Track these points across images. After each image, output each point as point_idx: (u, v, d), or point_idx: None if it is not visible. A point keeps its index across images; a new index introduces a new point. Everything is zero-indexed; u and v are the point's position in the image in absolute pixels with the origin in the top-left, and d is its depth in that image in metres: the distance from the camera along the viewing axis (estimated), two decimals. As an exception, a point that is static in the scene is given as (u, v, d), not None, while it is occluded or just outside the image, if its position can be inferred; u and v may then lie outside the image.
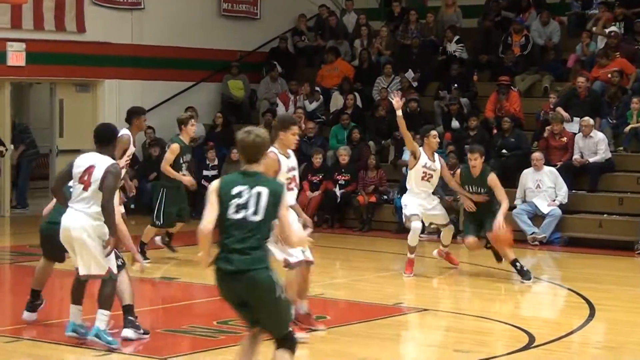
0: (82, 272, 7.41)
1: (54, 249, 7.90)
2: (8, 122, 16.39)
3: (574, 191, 14.44)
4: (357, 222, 15.59)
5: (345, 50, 19.08)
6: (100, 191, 7.28)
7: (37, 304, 8.28)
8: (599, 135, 14.67)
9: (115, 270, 7.45)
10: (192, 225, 16.73)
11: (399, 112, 10.77)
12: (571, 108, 15.37)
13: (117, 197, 7.57)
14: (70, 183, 7.48)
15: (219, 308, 9.39)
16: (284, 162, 8.17)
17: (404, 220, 11.20)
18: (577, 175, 14.63)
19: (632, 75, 15.95)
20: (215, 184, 5.69)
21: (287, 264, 7.73)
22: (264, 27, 19.60)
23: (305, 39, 19.81)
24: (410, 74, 17.69)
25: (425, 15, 18.87)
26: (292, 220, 6.56)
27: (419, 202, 10.99)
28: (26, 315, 8.22)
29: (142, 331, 7.91)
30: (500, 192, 10.84)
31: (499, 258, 11.09)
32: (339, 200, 15.70)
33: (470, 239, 11.18)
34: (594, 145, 14.68)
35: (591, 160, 14.60)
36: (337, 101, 17.85)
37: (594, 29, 17.08)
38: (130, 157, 10.32)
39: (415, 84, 17.57)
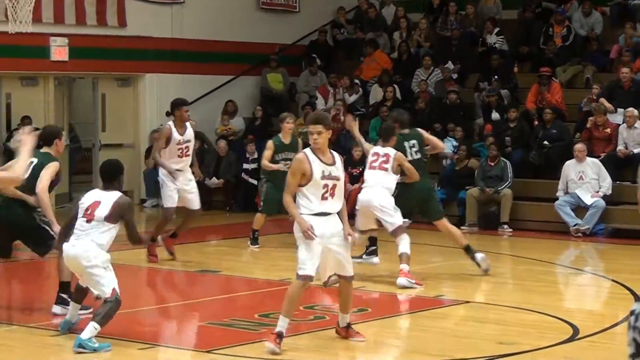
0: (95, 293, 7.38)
1: None
2: (52, 117, 16.53)
3: (617, 182, 14.29)
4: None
5: (384, 42, 19.02)
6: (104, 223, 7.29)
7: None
8: (643, 126, 14.51)
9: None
10: (228, 219, 16.70)
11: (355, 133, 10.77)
12: (615, 99, 15.21)
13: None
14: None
15: (260, 301, 9.45)
16: None
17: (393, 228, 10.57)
18: (621, 167, 14.47)
19: (677, 65, 15.75)
20: None
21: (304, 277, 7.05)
22: (303, 20, 19.60)
23: (344, 31, 19.77)
24: (450, 66, 17.61)
25: (464, 7, 18.76)
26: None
27: None
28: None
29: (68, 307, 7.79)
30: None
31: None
32: (378, 192, 15.64)
33: None
34: (638, 136, 14.52)
35: (635, 151, 14.44)
36: (376, 94, 17.81)
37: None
38: (184, 145, 11.01)
39: (455, 76, 17.48)
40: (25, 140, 6.04)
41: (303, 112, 17.58)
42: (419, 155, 10.47)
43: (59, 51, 16.32)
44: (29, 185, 7.95)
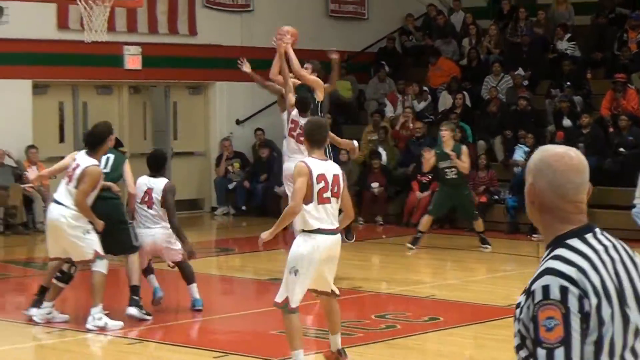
0: None
1: None
2: (127, 125, 16.76)
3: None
4: (467, 223, 15.41)
5: (454, 49, 18.91)
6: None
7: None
8: None
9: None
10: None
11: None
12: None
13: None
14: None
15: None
16: None
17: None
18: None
19: None
20: None
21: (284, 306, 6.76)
22: (372, 27, 19.59)
23: (412, 38, 19.71)
24: (520, 72, 17.42)
25: (535, 13, 18.54)
26: None
27: None
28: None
29: (144, 312, 8.39)
30: None
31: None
32: (448, 200, 15.54)
33: None
34: None
35: None
36: (445, 101, 17.71)
37: None
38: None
39: (525, 83, 17.29)
40: None
41: (372, 120, 17.56)
42: None
43: (132, 60, 16.54)
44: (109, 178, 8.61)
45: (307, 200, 6.55)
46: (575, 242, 2.71)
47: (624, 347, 2.66)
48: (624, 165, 14.46)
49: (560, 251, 2.70)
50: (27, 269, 11.81)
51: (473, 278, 11.28)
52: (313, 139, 6.67)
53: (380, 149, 16.69)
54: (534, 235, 13.74)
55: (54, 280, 8.51)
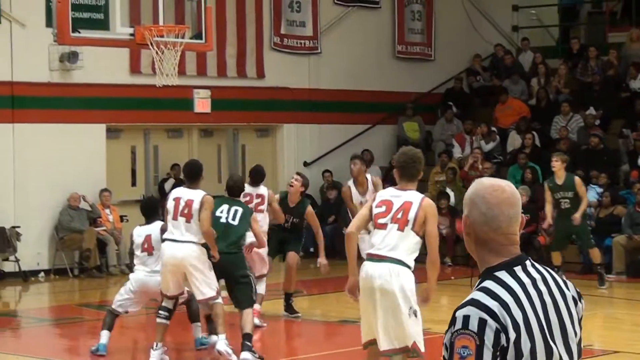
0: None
1: None
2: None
3: None
4: (539, 264, 15.20)
5: (522, 89, 18.79)
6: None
7: None
8: None
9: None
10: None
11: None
12: None
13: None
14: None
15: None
16: None
17: None
18: None
19: None
20: None
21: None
22: (439, 68, 19.59)
23: (480, 79, 19.66)
24: (592, 112, 17.23)
25: (606, 52, 18.34)
26: None
27: None
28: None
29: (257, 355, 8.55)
30: None
31: None
32: (518, 241, 15.38)
33: None
34: None
35: None
36: (514, 141, 17.57)
37: None
38: None
39: (597, 122, 17.08)
40: None
41: (439, 160, 17.50)
42: None
43: (201, 103, 16.77)
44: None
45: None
46: (503, 275, 2.78)
47: None
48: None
49: (487, 283, 2.77)
50: (100, 312, 11.94)
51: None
52: (403, 171, 6.58)
53: (448, 190, 16.61)
54: (608, 275, 13.52)
55: (162, 320, 8.64)
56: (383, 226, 6.39)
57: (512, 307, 2.71)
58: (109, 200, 15.43)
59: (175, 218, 8.56)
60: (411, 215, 6.41)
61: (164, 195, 16.21)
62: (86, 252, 14.99)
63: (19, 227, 14.79)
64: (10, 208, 14.88)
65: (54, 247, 15.15)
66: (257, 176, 10.69)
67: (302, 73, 18.05)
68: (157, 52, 10.37)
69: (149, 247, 9.00)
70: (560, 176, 12.72)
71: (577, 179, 12.83)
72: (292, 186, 10.75)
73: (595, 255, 12.85)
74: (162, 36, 10.55)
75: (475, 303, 2.72)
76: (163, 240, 8.67)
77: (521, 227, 2.86)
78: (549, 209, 13.09)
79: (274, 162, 17.99)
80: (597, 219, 14.94)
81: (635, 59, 17.89)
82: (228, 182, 9.42)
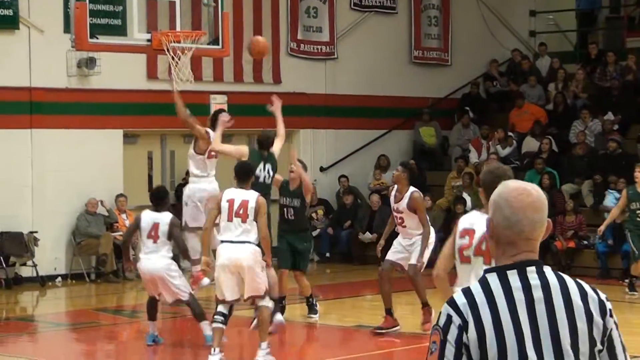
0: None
1: None
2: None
3: None
4: (555, 268, 15.14)
5: (539, 94, 18.75)
6: None
7: None
8: None
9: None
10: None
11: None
12: None
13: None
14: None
15: (414, 357, 9.34)
16: None
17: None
18: None
19: None
20: None
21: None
22: (455, 73, 19.56)
23: (497, 84, 19.62)
24: (610, 117, 17.16)
25: (625, 57, 18.27)
26: None
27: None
28: None
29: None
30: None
31: None
32: (535, 246, 15.33)
33: None
34: None
35: None
36: (529, 145, 17.53)
37: None
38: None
39: (615, 127, 17.00)
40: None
41: (456, 165, 17.47)
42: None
43: (218, 108, 16.79)
44: None
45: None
46: (491, 277, 2.75)
47: None
48: None
49: (474, 284, 2.77)
50: (116, 316, 12.01)
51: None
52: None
53: (465, 195, 16.58)
54: (625, 280, 13.44)
55: (218, 324, 8.61)
56: (467, 259, 5.48)
57: (481, 307, 2.69)
58: (124, 206, 15.49)
59: (230, 219, 8.49)
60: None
61: (181, 200, 16.29)
62: (102, 257, 15.05)
63: (36, 232, 14.87)
64: (28, 213, 14.96)
65: (71, 252, 15.21)
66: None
67: (319, 78, 18.07)
68: (172, 58, 10.40)
69: (155, 235, 9.21)
70: None
71: None
72: (292, 172, 10.73)
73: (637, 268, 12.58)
74: (179, 42, 10.59)
75: (450, 300, 2.75)
76: (223, 245, 8.68)
77: (547, 232, 2.82)
78: (615, 213, 12.80)
79: (290, 167, 17.96)
80: (614, 224, 14.86)
81: (654, 63, 17.82)
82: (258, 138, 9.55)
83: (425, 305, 10.41)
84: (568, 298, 2.74)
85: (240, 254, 8.40)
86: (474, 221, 5.43)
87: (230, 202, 8.51)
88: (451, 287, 5.35)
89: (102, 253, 15.04)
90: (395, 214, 10.33)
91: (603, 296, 2.81)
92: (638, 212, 12.42)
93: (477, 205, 15.71)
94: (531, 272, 2.77)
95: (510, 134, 17.86)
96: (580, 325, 2.72)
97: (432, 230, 10.45)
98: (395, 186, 10.48)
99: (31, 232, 14.79)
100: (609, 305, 2.79)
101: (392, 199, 10.40)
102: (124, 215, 15.51)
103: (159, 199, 9.59)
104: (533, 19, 20.58)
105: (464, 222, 5.50)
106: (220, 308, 8.64)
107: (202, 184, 10.22)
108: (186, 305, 9.47)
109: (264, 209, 8.49)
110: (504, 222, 2.77)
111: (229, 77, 16.88)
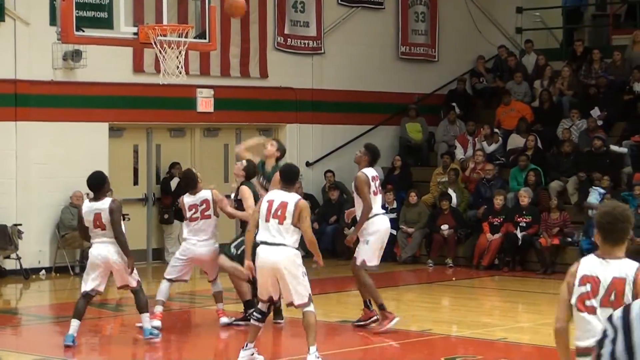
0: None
1: None
2: (200, 167, 16.91)
3: None
4: (539, 265, 15.24)
5: (525, 91, 18.80)
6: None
7: None
8: None
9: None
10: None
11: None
12: None
13: None
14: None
15: (398, 353, 9.37)
16: None
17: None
18: None
19: None
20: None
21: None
22: (442, 69, 19.60)
23: (483, 80, 19.67)
24: (595, 112, 17.24)
25: (610, 54, 18.34)
26: None
27: None
28: None
29: None
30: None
31: None
32: (520, 242, 15.41)
33: None
34: None
35: None
36: (515, 142, 17.59)
37: None
38: None
39: (600, 123, 17.08)
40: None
41: (441, 161, 17.51)
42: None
43: (204, 102, 16.80)
44: None
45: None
46: None
47: None
48: None
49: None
50: (100, 310, 11.98)
51: (545, 321, 11.07)
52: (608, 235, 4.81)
53: (450, 191, 16.63)
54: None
55: (255, 322, 8.53)
56: (592, 310, 4.83)
57: (634, 321, 2.85)
58: (110, 199, 15.44)
59: (267, 220, 8.33)
60: (626, 297, 4.76)
61: (168, 193, 16.29)
62: (87, 250, 14.99)
63: (20, 224, 14.82)
64: (12, 206, 14.91)
65: (56, 245, 15.17)
66: (192, 182, 10.41)
67: (306, 73, 18.07)
68: (160, 51, 10.38)
69: (100, 224, 9.31)
70: None
71: None
72: (266, 149, 10.53)
73: None
74: (165, 35, 10.56)
75: (609, 315, 2.92)
76: (257, 244, 8.43)
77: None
78: None
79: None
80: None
81: (638, 62, 17.89)
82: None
83: (366, 306, 10.24)
84: None
85: (276, 257, 8.27)
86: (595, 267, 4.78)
87: (270, 202, 8.35)
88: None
89: (87, 247, 14.98)
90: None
91: None
92: None
93: (459, 201, 15.73)
94: None
95: (496, 130, 17.92)
96: None
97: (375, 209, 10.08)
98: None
99: (15, 225, 14.75)
100: None
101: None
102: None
103: (98, 187, 9.54)
104: (520, 15, 20.63)
105: (584, 269, 4.80)
106: (260, 306, 8.57)
107: None
108: (131, 293, 9.56)
109: (305, 212, 8.31)
110: None
111: (215, 71, 16.86)
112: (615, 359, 2.67)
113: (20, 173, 15.00)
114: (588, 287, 4.76)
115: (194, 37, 11.16)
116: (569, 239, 15.29)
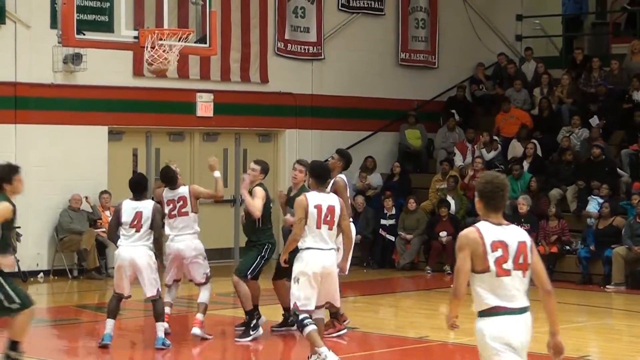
0: None
1: None
2: (198, 171, 16.91)
3: None
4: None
5: (525, 98, 18.82)
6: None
7: None
8: None
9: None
10: (365, 275, 16.49)
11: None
12: None
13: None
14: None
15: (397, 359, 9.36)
16: None
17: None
18: None
19: None
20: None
21: None
22: (442, 76, 19.61)
23: (483, 87, 19.68)
24: (594, 120, 17.25)
25: (609, 63, 18.36)
26: None
27: None
28: None
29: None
30: None
31: None
32: (518, 250, 15.38)
33: None
34: None
35: None
36: (514, 150, 17.59)
37: None
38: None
39: (599, 131, 17.08)
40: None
41: (440, 168, 17.51)
42: None
43: (204, 107, 16.81)
44: None
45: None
46: None
47: None
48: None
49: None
50: (98, 313, 11.97)
51: (543, 329, 11.07)
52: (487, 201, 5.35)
53: (449, 198, 16.62)
54: (607, 286, 13.51)
55: (311, 327, 8.22)
56: (507, 273, 5.36)
57: None
58: (108, 202, 15.46)
59: (318, 226, 8.11)
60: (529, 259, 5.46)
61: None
62: (83, 252, 15.00)
63: (19, 227, 14.78)
64: (11, 208, 14.88)
65: (54, 248, 15.16)
66: (172, 179, 10.38)
67: (305, 79, 18.08)
68: (149, 49, 10.34)
69: (137, 224, 9.34)
70: None
71: None
72: (295, 177, 10.43)
73: None
74: (165, 39, 10.55)
75: None
76: (301, 250, 8.22)
77: None
78: None
79: (276, 167, 17.99)
80: (596, 230, 14.94)
81: (638, 70, 17.90)
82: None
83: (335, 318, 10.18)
84: None
85: (327, 262, 8.14)
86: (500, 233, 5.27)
87: (318, 208, 8.11)
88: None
89: (83, 248, 14.99)
90: None
91: None
92: None
93: (458, 208, 15.67)
94: None
95: (495, 137, 17.93)
96: None
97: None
98: None
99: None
100: None
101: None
102: (107, 212, 15.47)
103: (141, 188, 9.65)
104: (519, 23, 20.66)
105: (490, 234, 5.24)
106: (314, 313, 8.28)
107: None
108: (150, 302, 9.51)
109: (345, 211, 8.26)
110: None
111: (215, 75, 16.87)
112: None
113: (19, 176, 14.96)
114: (500, 251, 5.24)
115: (195, 42, 11.15)
116: (567, 247, 15.29)
